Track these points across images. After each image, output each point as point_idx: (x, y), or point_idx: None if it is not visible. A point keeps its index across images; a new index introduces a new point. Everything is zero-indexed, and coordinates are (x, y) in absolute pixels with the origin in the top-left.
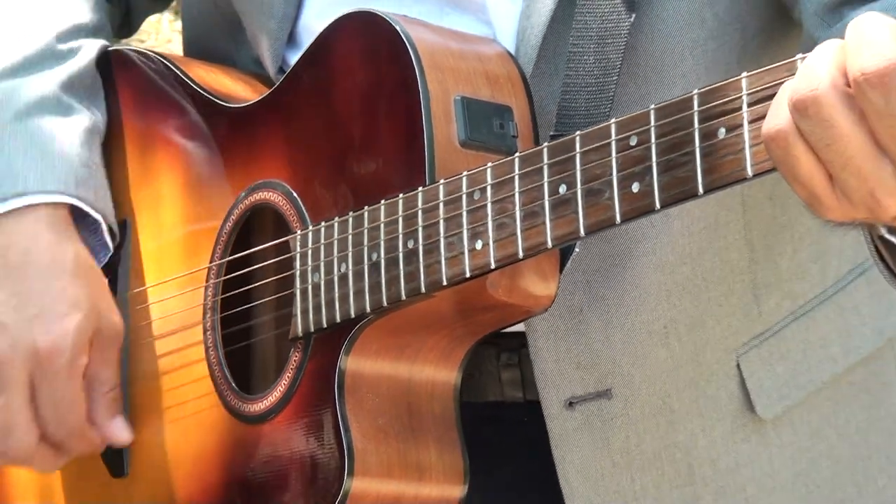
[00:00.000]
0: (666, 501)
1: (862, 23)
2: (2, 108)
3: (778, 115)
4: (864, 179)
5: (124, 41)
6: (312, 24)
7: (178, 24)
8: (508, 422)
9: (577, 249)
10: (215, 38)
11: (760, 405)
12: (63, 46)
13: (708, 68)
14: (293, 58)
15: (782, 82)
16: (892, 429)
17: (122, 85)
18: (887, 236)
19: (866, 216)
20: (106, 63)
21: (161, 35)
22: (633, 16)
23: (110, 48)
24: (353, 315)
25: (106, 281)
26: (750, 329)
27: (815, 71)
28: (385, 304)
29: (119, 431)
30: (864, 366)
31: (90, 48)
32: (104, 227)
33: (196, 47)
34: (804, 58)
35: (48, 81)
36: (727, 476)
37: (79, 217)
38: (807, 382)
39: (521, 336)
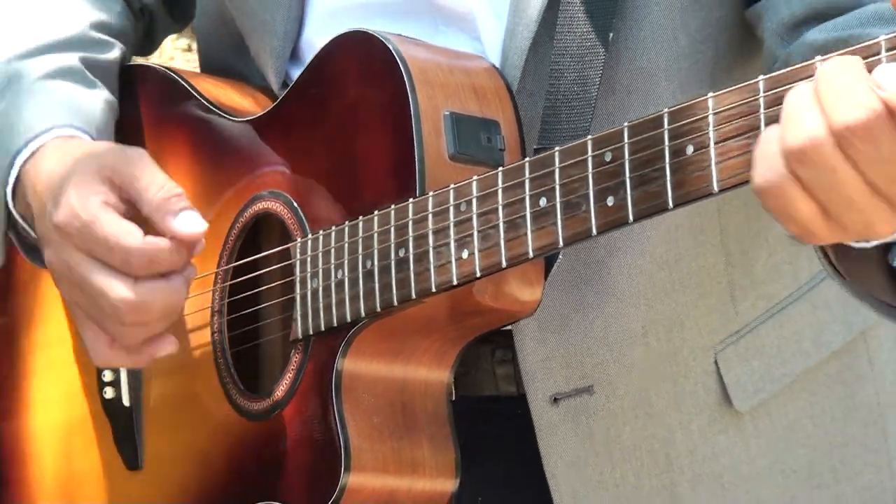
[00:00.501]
0: (645, 489)
1: (831, 71)
2: (31, 72)
3: (770, 168)
4: (863, 214)
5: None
6: (314, 40)
7: (180, 42)
8: (502, 415)
9: (560, 257)
10: (226, 55)
11: (737, 399)
12: (95, 35)
13: (682, 84)
14: (296, 73)
15: (745, 102)
16: (867, 419)
17: (142, 97)
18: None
19: (856, 238)
20: (129, 76)
21: (164, 53)
22: (611, 35)
23: (131, 63)
24: (349, 319)
25: (104, 140)
26: (727, 328)
27: (807, 119)
28: (379, 309)
29: (179, 224)
30: (837, 359)
31: (117, 49)
32: None
33: (210, 63)
34: (766, 79)
35: (75, 57)
36: (704, 465)
37: None
38: (782, 376)
39: None
